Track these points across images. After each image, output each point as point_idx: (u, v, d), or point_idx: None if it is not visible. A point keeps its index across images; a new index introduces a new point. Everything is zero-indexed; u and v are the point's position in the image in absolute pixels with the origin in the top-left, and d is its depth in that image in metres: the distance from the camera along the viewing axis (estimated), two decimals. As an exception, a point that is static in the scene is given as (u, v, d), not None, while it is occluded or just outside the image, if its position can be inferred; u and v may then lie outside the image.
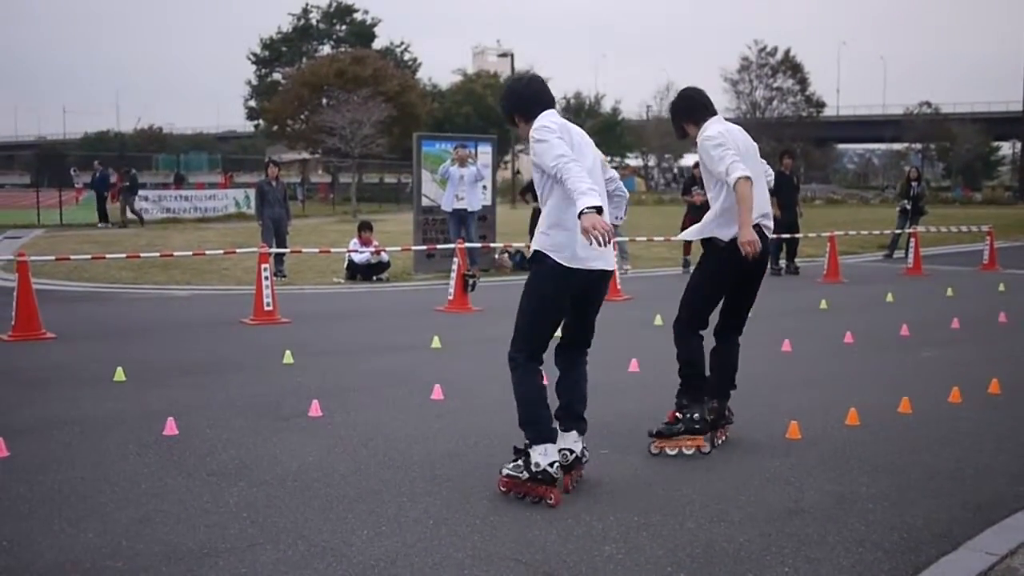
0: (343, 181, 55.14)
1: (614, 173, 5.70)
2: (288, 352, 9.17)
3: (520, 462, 5.23)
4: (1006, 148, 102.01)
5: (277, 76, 70.97)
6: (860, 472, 5.71)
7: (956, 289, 14.94)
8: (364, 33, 72.29)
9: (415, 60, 74.47)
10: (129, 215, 31.62)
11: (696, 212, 18.15)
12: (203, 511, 4.99)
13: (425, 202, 17.98)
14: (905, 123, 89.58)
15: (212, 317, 12.23)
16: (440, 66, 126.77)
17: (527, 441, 5.25)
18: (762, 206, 6.03)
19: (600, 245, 4.78)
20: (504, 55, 67.53)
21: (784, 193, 17.64)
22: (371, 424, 6.77)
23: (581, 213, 4.76)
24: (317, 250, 16.99)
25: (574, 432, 5.41)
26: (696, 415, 6.10)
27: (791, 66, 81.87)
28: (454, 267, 12.96)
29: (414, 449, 6.15)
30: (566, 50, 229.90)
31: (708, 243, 6.10)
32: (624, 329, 11.23)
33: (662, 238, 19.30)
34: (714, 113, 6.18)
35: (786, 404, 7.37)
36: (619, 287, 14.07)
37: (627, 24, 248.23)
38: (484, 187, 17.87)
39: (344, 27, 72.87)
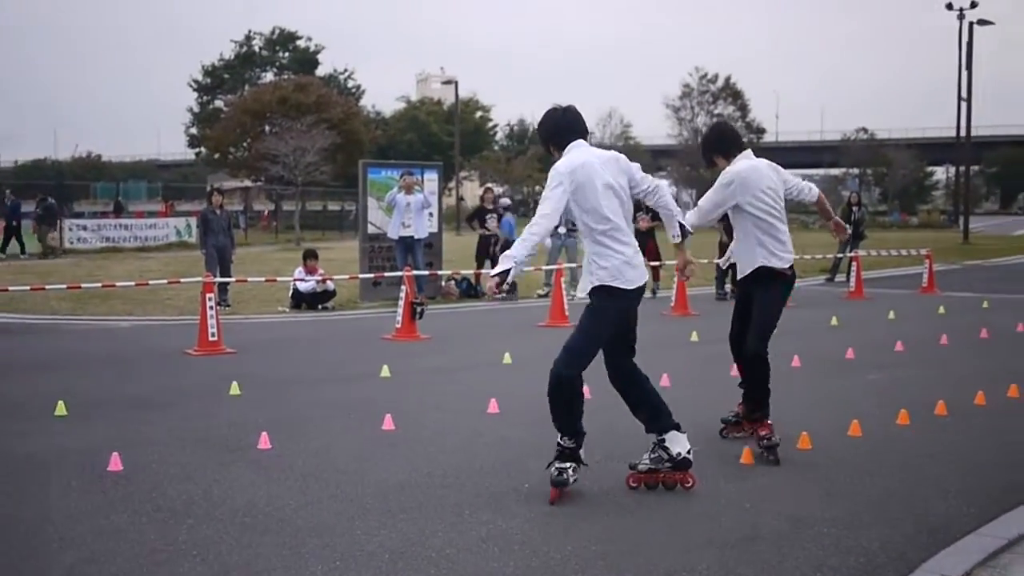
0: (286, 209, 54.74)
1: (653, 185, 5.92)
2: (235, 383, 9.01)
3: (658, 454, 5.75)
4: (940, 173, 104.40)
5: (219, 103, 70.45)
6: (814, 496, 5.72)
7: (898, 312, 15.15)
8: (307, 60, 72.11)
9: (359, 87, 74.52)
10: (49, 243, 30.98)
11: (642, 238, 18.27)
12: (151, 550, 4.86)
13: (371, 229, 17.88)
14: (842, 149, 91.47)
15: (155, 348, 12.01)
16: (384, 93, 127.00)
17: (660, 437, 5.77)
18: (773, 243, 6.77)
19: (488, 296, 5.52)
20: (448, 82, 67.69)
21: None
22: (322, 456, 6.66)
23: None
24: (263, 279, 16.82)
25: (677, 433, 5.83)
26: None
27: (732, 93, 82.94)
28: (402, 295, 12.87)
29: (367, 481, 6.05)
30: (510, 77, 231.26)
31: (768, 271, 6.71)
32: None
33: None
34: (743, 149, 6.80)
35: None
36: (566, 313, 14.06)
37: (572, 51, 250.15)
38: (431, 214, 17.82)
39: (287, 54, 72.63)
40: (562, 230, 18.43)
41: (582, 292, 5.80)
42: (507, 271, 5.42)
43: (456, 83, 63.25)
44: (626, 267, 5.62)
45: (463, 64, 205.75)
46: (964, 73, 44.25)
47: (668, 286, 17.57)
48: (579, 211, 5.65)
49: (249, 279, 16.40)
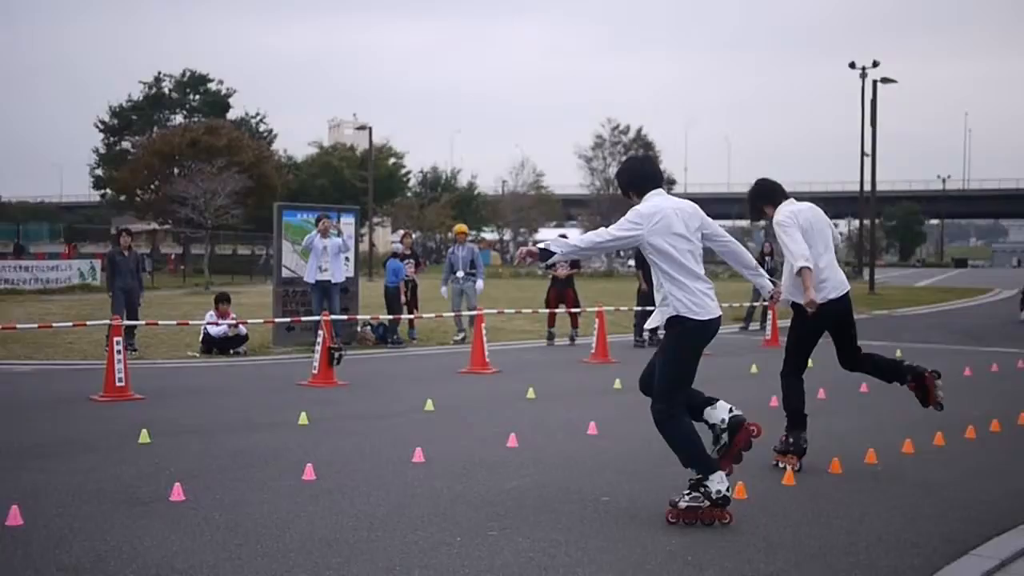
0: (195, 252, 53.65)
1: (717, 232, 6.48)
2: (144, 431, 8.56)
3: (697, 493, 5.99)
4: (843, 225, 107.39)
5: (126, 145, 69.00)
6: (756, 548, 5.57)
7: (815, 360, 15.21)
8: (218, 103, 71.12)
9: (271, 131, 73.65)
10: None
11: (560, 285, 18.23)
12: (55, 612, 4.47)
13: (285, 273, 17.48)
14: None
15: (58, 394, 11.44)
16: (296, 138, 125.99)
17: (699, 475, 6.02)
18: (830, 277, 7.61)
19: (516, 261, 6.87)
20: (362, 128, 67.21)
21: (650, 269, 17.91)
22: (240, 508, 6.30)
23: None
24: (175, 323, 16.26)
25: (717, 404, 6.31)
26: (802, 440, 7.64)
27: (643, 144, 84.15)
28: (318, 340, 12.52)
29: (289, 535, 5.72)
30: (422, 125, 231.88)
31: (795, 306, 7.61)
32: (498, 403, 10.98)
33: (607, 307, 19.19)
34: (787, 196, 7.64)
35: (671, 477, 7.19)
36: (487, 359, 13.84)
37: (482, 101, 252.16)
38: (347, 259, 17.50)
39: (198, 97, 71.55)
40: (460, 274, 18.28)
41: (653, 324, 6.40)
42: (550, 253, 6.01)
43: (370, 129, 62.97)
44: (695, 302, 6.10)
45: (376, 111, 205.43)
46: (868, 129, 45.52)
47: (587, 333, 17.47)
48: (653, 251, 6.13)
49: (161, 322, 15.83)
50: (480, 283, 18.59)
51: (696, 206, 6.37)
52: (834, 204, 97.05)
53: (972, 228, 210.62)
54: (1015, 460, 8.12)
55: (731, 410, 6.26)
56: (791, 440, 7.62)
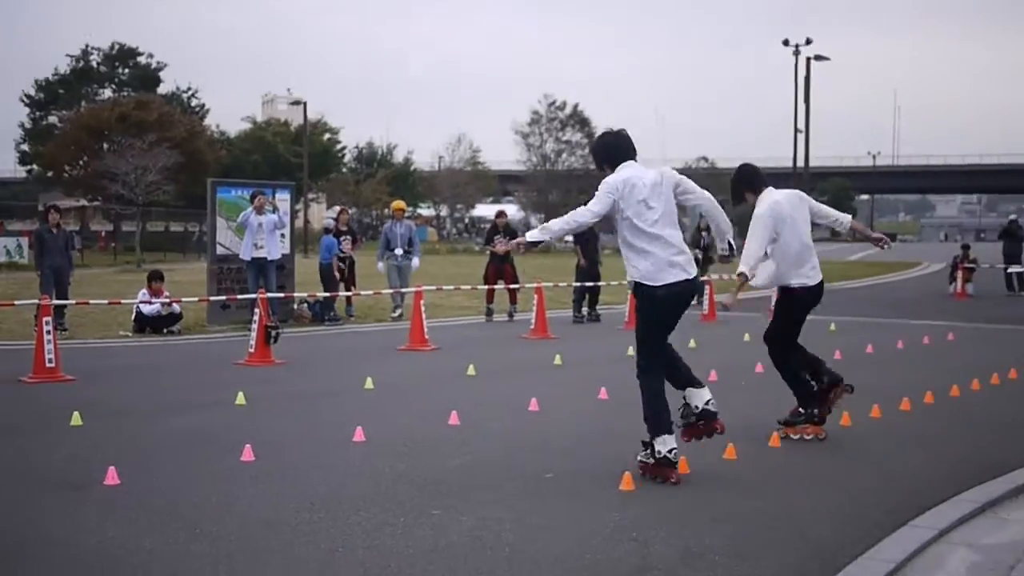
0: (126, 229, 52.61)
1: (702, 197, 6.84)
2: (76, 413, 8.34)
3: (647, 451, 6.45)
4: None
5: (54, 119, 67.27)
6: (700, 523, 5.58)
7: (752, 334, 15.36)
8: (148, 77, 69.50)
9: (203, 106, 72.21)
10: None
11: (499, 261, 18.16)
12: (-15, 602, 4.32)
13: (220, 250, 17.17)
14: (685, 176, 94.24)
15: (-15, 376, 11.13)
16: (229, 113, 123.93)
17: (650, 435, 6.43)
18: (799, 264, 7.77)
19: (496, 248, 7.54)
20: (296, 103, 66.27)
21: (589, 245, 18.01)
22: (177, 491, 6.16)
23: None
24: (107, 301, 15.90)
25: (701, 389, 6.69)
26: (814, 410, 7.78)
27: (579, 120, 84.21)
28: (255, 318, 12.32)
29: (228, 518, 5.60)
30: (358, 100, 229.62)
31: (783, 290, 7.98)
32: (439, 380, 10.90)
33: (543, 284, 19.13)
34: (766, 184, 7.89)
35: (613, 454, 7.21)
36: (426, 336, 13.75)
37: (419, 76, 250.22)
38: (283, 236, 17.24)
39: (127, 71, 69.90)
40: (399, 251, 18.12)
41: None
42: (537, 243, 6.56)
43: (304, 104, 62.18)
44: (655, 269, 6.39)
45: (310, 86, 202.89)
46: (802, 106, 46.03)
47: (526, 309, 17.47)
48: (622, 218, 6.46)
49: (92, 301, 15.47)
50: (416, 261, 18.49)
51: (666, 171, 6.67)
52: (769, 180, 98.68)
53: (901, 204, 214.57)
54: (949, 431, 8.25)
55: (708, 401, 6.65)
56: (808, 411, 7.84)
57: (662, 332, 6.56)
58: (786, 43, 46.83)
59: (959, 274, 25.71)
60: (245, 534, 5.30)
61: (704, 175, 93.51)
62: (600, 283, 18.21)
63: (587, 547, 5.14)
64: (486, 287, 18.18)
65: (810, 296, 7.84)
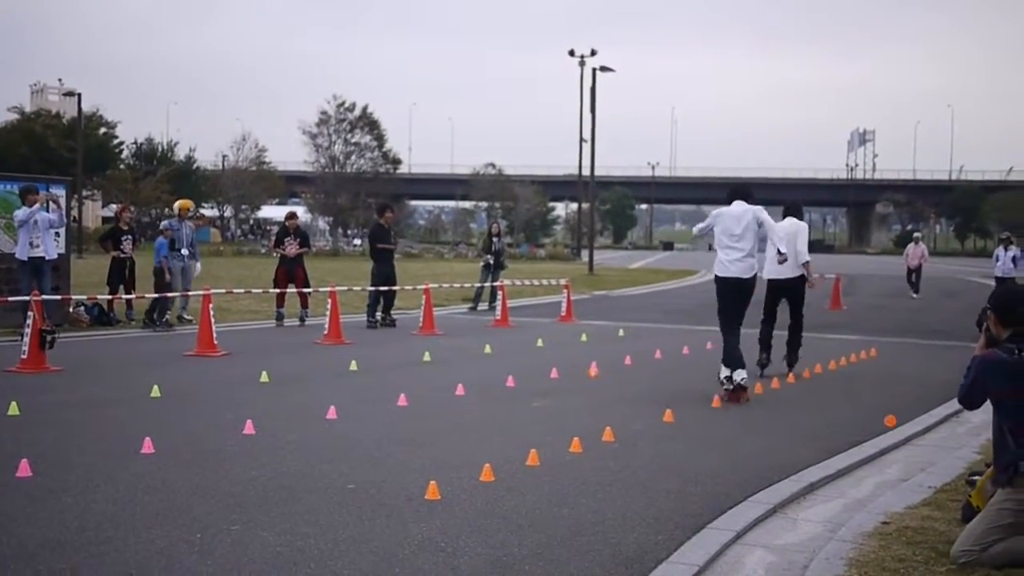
0: None
1: (765, 221, 10.35)
2: None
3: (724, 381, 10.11)
4: (560, 208, 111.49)
5: None
6: (507, 531, 5.56)
7: (545, 339, 15.62)
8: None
9: (-37, 94, 67.53)
10: None
11: (289, 264, 17.73)
12: None
13: (-14, 249, 15.99)
14: (473, 183, 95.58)
15: None
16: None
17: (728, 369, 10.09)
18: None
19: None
20: (69, 94, 62.90)
21: (383, 253, 17.97)
22: (-57, 512, 5.64)
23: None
24: None
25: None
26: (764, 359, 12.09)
27: (368, 122, 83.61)
28: (28, 322, 11.52)
29: (6, 540, 5.17)
30: (137, 95, 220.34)
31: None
32: (231, 387, 10.51)
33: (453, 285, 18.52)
34: (740, 197, 10.46)
35: (417, 461, 7.13)
36: (215, 341, 13.24)
37: (201, 74, 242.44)
38: (57, 234, 16.24)
39: None
40: (185, 252, 17.29)
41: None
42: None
43: (79, 95, 59.00)
44: (723, 264, 10.20)
45: (84, 80, 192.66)
46: (588, 116, 47.26)
47: (318, 313, 17.11)
48: (718, 232, 10.29)
49: None
50: (198, 265, 17.85)
51: (749, 209, 10.18)
52: (553, 187, 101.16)
53: (677, 213, 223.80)
54: (738, 432, 8.58)
55: (731, 378, 9.95)
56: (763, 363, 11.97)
57: (726, 307, 10.19)
58: (572, 53, 48.03)
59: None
60: (25, 557, 4.90)
61: (491, 182, 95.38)
62: (395, 287, 18.08)
63: (395, 560, 5.03)
64: (276, 291, 17.70)
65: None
